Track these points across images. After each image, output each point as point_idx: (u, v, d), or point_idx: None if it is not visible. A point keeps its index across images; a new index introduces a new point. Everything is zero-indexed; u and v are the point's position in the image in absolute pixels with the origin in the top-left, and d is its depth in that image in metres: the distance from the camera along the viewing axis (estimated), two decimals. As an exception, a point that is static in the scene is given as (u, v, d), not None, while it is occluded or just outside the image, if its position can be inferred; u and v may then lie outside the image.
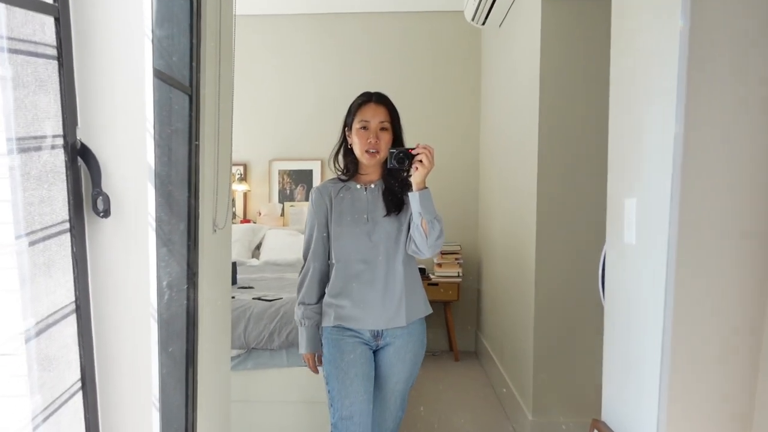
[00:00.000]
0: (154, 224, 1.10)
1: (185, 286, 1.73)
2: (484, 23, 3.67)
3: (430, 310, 1.89)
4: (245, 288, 3.26)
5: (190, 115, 1.72)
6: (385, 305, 1.78)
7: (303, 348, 1.89)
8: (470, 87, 4.50)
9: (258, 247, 4.27)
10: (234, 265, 3.37)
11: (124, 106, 1.09)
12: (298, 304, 1.89)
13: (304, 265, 1.91)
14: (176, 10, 1.64)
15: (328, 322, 1.84)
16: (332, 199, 1.84)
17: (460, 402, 3.45)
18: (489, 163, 4.12)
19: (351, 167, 1.86)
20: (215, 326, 2.00)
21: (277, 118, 4.57)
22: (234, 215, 4.55)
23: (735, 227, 1.17)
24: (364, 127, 1.78)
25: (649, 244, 1.33)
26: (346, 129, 1.85)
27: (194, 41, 1.71)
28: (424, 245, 1.74)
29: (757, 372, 1.19)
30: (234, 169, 4.51)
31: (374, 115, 1.79)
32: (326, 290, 1.86)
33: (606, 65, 1.58)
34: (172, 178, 1.68)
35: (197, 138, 1.77)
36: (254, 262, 4.04)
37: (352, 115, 1.82)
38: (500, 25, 3.64)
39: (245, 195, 4.61)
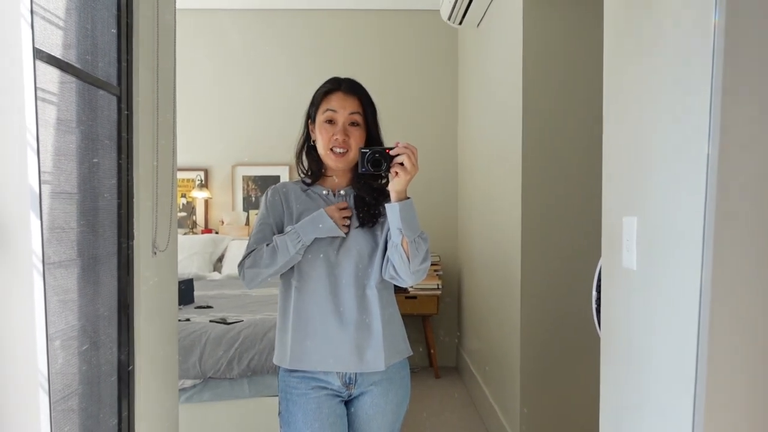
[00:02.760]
0: (40, 265, 0.82)
1: (114, 327, 1.46)
2: (461, 23, 3.50)
3: (410, 352, 1.54)
4: (203, 308, 2.97)
5: (119, 120, 1.44)
6: (357, 342, 1.43)
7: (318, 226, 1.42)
8: (447, 88, 4.31)
9: (220, 259, 3.99)
10: (190, 282, 3.09)
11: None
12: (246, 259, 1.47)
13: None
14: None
15: (283, 360, 1.47)
16: (293, 203, 1.49)
17: (442, 424, 3.26)
18: (469, 168, 3.92)
19: (315, 168, 1.52)
20: (157, 361, 1.73)
21: (240, 120, 4.31)
22: (194, 224, 4.26)
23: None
24: (330, 121, 1.45)
25: (657, 271, 1.15)
26: (309, 121, 1.52)
27: (122, 34, 1.43)
28: (404, 270, 1.39)
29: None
30: (194, 174, 4.23)
31: (343, 106, 1.45)
32: (279, 321, 1.51)
33: (594, 68, 1.39)
34: (97, 195, 1.40)
35: (129, 145, 1.49)
36: (215, 276, 3.75)
37: (317, 106, 1.48)
38: (478, 26, 3.47)
39: (206, 203, 4.33)
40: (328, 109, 1.45)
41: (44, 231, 1.15)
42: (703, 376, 0.99)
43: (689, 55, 1.03)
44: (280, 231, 1.49)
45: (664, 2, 1.12)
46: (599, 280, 1.50)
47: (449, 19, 3.49)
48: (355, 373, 1.45)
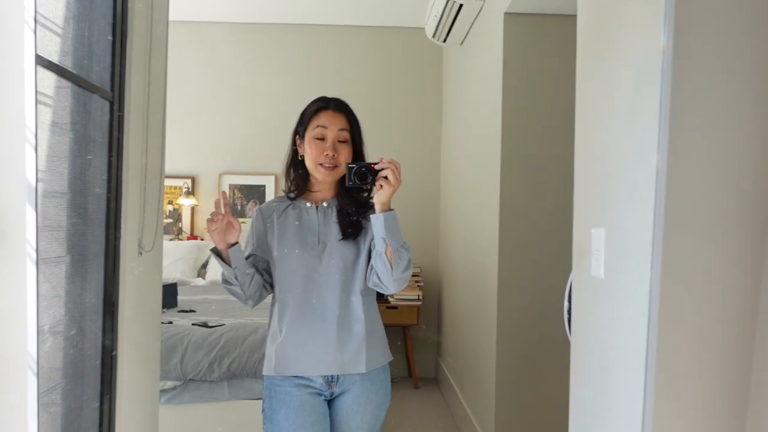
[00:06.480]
0: (34, 254, 0.88)
1: (100, 320, 1.51)
2: (445, 40, 3.59)
3: (390, 357, 1.60)
4: (186, 312, 3.01)
5: (111, 124, 1.51)
6: (340, 345, 1.50)
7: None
8: (432, 104, 4.41)
9: (204, 265, 4.02)
10: (174, 286, 3.13)
11: (-3, 108, 0.89)
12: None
13: None
14: (96, 5, 1.43)
15: (268, 369, 1.52)
16: (275, 219, 1.55)
17: (417, 434, 3.27)
18: (451, 182, 4.01)
19: (300, 183, 1.57)
20: (139, 360, 1.78)
21: (228, 129, 4.38)
22: (180, 231, 4.29)
23: (720, 261, 1.05)
24: (320, 137, 1.51)
25: (621, 279, 1.21)
26: (297, 138, 1.58)
27: (117, 42, 1.50)
28: (388, 278, 1.47)
29: (745, 421, 1.06)
30: (181, 182, 4.27)
31: (332, 124, 1.51)
32: (269, 329, 1.58)
33: (571, 83, 1.48)
34: (87, 195, 1.46)
35: (119, 148, 1.55)
36: (199, 282, 3.79)
37: (306, 123, 1.54)
38: (461, 43, 3.57)
39: (193, 210, 4.37)
40: (318, 126, 1.51)
41: (38, 225, 1.20)
42: (651, 381, 1.05)
43: (641, 75, 1.12)
44: (261, 249, 1.56)
45: (622, 29, 1.22)
46: (570, 290, 1.55)
47: (434, 36, 3.59)
48: (337, 374, 1.51)
